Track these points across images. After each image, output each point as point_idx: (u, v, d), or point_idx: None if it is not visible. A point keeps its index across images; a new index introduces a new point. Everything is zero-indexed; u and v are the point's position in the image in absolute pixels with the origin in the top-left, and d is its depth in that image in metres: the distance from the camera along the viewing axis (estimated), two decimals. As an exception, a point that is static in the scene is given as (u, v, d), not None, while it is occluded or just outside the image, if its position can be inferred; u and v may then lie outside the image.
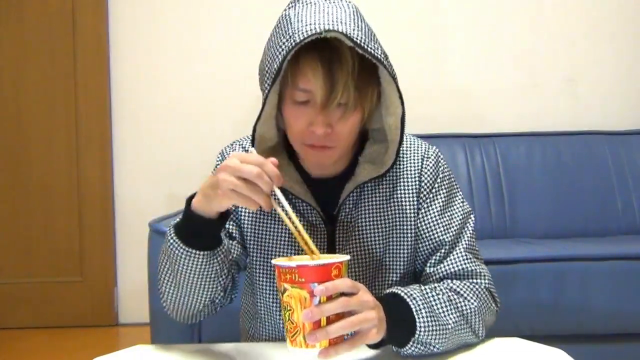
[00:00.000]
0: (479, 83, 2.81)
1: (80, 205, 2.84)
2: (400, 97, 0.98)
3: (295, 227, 0.86)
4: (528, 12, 2.81)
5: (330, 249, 1.06)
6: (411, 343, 0.92)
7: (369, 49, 0.91)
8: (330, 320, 0.80)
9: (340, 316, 0.81)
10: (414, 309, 0.93)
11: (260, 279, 1.10)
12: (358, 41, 0.90)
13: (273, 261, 0.83)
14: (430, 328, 0.93)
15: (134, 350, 1.02)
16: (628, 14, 2.83)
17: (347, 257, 0.83)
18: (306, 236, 0.86)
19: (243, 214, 1.10)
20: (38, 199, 2.84)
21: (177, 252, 0.95)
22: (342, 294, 0.81)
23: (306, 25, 0.91)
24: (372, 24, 1.02)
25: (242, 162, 0.85)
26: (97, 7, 2.79)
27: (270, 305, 1.10)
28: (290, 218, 0.87)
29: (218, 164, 1.13)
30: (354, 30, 0.91)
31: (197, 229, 0.93)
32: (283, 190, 1.02)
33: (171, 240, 0.95)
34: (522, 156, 2.48)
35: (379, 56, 0.93)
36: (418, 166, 1.10)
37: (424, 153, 1.11)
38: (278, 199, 0.86)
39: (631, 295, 1.83)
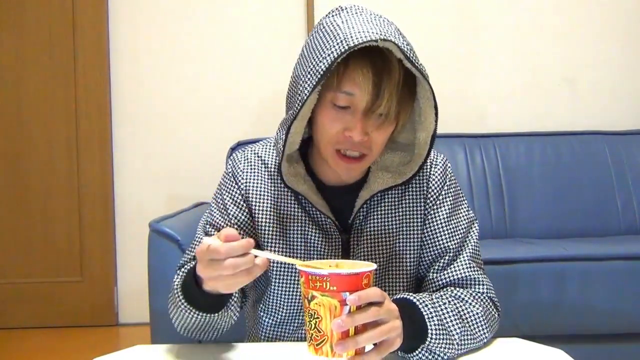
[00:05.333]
0: (479, 83, 2.81)
1: (80, 205, 2.84)
2: (436, 114, 0.99)
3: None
4: (528, 12, 2.81)
5: (344, 257, 1.07)
6: (419, 350, 0.92)
7: (416, 64, 0.93)
8: (357, 329, 0.79)
9: (365, 325, 0.80)
10: (426, 317, 0.93)
11: (277, 284, 1.09)
12: (408, 54, 0.92)
13: (300, 267, 0.80)
14: (439, 337, 0.93)
15: (134, 350, 1.02)
16: (628, 14, 2.83)
17: (375, 266, 0.82)
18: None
19: (260, 217, 1.08)
20: (38, 199, 2.84)
21: (191, 314, 0.94)
22: (370, 303, 0.80)
23: (359, 32, 0.91)
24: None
25: (210, 259, 0.80)
26: (97, 7, 2.78)
27: (277, 307, 1.10)
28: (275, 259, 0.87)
29: (229, 171, 1.12)
30: (403, 43, 0.93)
31: (209, 302, 0.92)
32: (299, 199, 1.05)
33: (182, 306, 0.94)
34: (522, 156, 2.48)
35: (424, 72, 0.95)
36: (426, 172, 1.11)
37: (432, 160, 1.12)
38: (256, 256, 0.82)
39: (631, 295, 1.83)
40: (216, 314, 0.94)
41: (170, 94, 2.83)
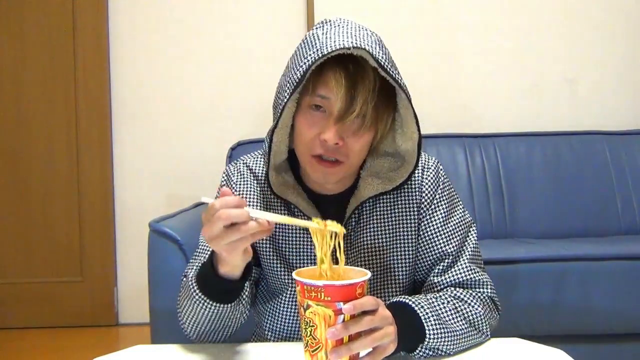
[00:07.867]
0: (479, 83, 2.81)
1: (80, 205, 2.84)
2: (417, 124, 0.99)
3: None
4: (528, 13, 2.81)
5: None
6: (420, 348, 0.93)
7: (391, 73, 0.93)
8: (351, 336, 0.80)
9: (359, 331, 0.81)
10: (422, 317, 0.94)
11: (278, 288, 1.10)
12: (382, 63, 0.93)
13: (295, 276, 0.82)
14: (439, 334, 0.94)
15: (134, 350, 1.02)
16: (628, 14, 2.83)
17: (369, 274, 0.83)
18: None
19: None
20: (38, 199, 2.84)
21: (204, 306, 0.95)
22: (365, 311, 0.81)
23: (334, 41, 0.93)
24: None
25: (211, 218, 0.81)
26: (97, 7, 2.78)
27: (279, 311, 1.10)
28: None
29: (223, 184, 1.13)
30: (378, 52, 0.94)
31: (224, 288, 0.93)
32: (290, 208, 1.05)
33: (196, 296, 0.94)
34: (522, 156, 2.48)
35: (400, 81, 0.95)
36: (418, 177, 1.10)
37: (424, 164, 1.12)
38: (256, 218, 0.82)
39: (631, 295, 1.83)
40: (228, 305, 0.94)
41: (170, 94, 2.83)
